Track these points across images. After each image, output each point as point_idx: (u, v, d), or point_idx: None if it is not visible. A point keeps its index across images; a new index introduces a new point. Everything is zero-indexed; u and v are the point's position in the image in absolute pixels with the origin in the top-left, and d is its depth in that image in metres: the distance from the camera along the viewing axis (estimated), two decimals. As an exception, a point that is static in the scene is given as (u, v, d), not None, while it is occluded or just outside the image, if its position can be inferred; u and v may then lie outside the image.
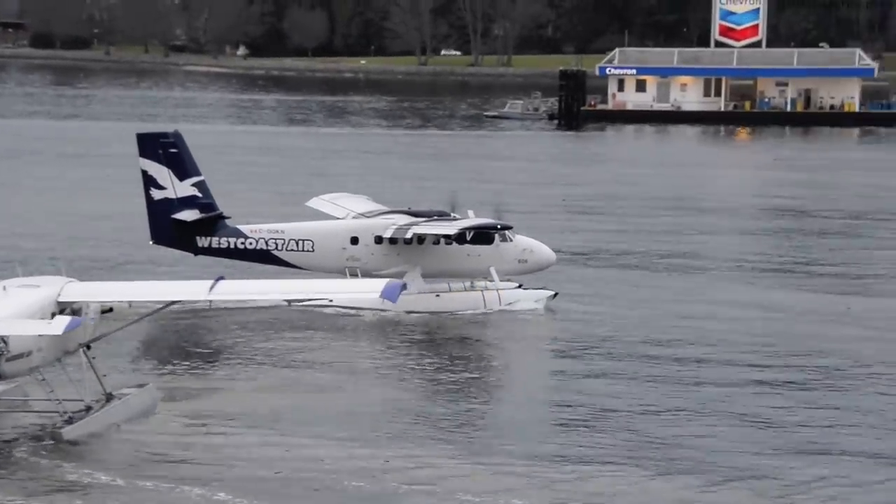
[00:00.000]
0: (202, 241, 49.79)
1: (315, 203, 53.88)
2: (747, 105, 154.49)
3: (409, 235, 48.69)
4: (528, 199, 79.71)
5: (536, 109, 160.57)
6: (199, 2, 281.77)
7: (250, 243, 49.80)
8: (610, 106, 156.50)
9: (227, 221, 50.35)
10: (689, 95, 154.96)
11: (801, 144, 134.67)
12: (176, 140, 49.54)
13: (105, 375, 34.40)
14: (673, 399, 37.78)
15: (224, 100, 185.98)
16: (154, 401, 35.54)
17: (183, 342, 44.53)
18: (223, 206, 50.77)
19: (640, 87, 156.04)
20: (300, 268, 49.73)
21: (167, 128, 54.41)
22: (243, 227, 50.32)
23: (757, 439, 33.95)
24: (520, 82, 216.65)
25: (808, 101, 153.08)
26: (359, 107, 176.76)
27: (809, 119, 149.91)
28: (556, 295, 49.92)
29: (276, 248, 49.73)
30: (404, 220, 49.54)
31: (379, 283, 33.34)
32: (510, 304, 49.12)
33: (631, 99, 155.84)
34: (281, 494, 29.70)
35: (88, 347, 33.66)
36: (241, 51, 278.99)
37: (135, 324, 35.92)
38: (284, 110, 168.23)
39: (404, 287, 34.47)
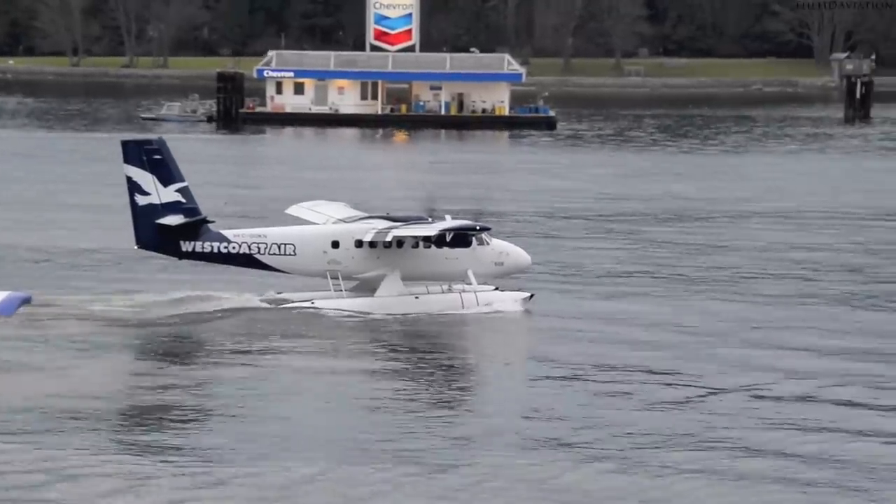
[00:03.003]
0: (186, 246, 50.92)
1: (294, 210, 54.95)
2: (403, 108, 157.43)
3: (388, 239, 49.89)
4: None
5: (194, 112, 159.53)
6: None
7: (233, 247, 50.97)
8: (269, 108, 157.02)
9: (211, 226, 51.33)
10: (346, 98, 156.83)
11: (456, 147, 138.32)
12: (160, 147, 51.02)
13: None
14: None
15: None
16: None
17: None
18: None
19: (298, 89, 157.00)
20: (283, 271, 51.02)
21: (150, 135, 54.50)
22: (227, 232, 51.41)
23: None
24: (176, 84, 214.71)
25: (461, 104, 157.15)
26: (5, 107, 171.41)
27: (463, 122, 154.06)
28: (532, 296, 51.33)
29: (259, 251, 50.90)
30: (384, 224, 50.68)
31: None
32: (488, 304, 50.46)
33: (289, 101, 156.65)
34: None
35: None
36: None
37: None
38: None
39: (26, 301, 34.16)
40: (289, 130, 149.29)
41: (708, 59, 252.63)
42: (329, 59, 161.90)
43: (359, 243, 50.72)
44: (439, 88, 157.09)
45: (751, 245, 69.20)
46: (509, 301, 51.10)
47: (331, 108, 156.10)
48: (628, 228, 75.46)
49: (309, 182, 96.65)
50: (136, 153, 50.77)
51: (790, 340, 47.20)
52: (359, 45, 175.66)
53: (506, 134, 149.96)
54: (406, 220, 51.52)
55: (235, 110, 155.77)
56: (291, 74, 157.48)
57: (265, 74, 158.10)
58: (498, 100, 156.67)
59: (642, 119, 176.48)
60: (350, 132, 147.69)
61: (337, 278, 50.53)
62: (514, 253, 52.07)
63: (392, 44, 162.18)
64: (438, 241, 50.47)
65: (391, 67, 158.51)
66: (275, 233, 51.43)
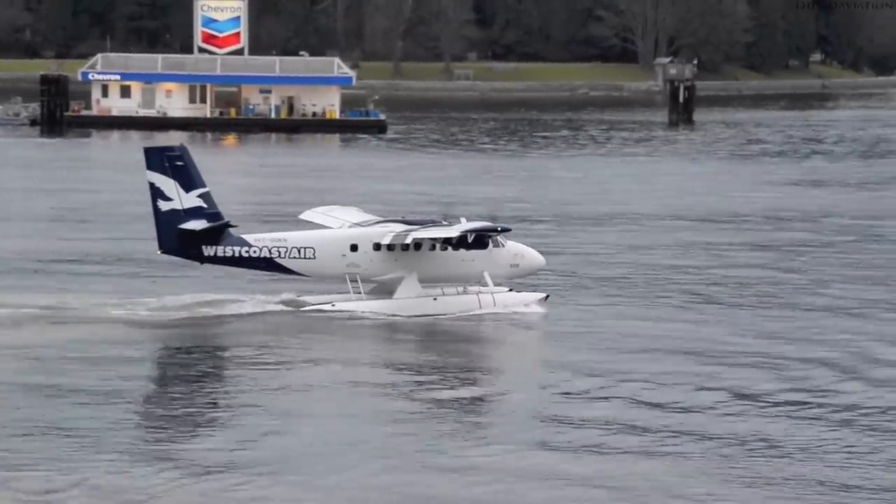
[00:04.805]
0: (208, 250, 51.43)
1: (308, 215, 55.76)
2: (233, 112, 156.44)
3: (408, 241, 50.56)
4: (12, 207, 78.48)
5: (17, 115, 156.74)
6: None
7: (254, 251, 51.57)
8: (94, 112, 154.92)
9: (233, 230, 51.76)
10: (174, 102, 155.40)
11: (286, 151, 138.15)
12: (182, 153, 51.55)
13: None
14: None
15: None
16: None
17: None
18: None
19: (125, 92, 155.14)
20: (303, 275, 51.56)
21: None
22: (248, 237, 51.89)
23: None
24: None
25: (291, 108, 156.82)
26: None
27: (293, 126, 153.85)
28: (547, 297, 52.25)
29: (279, 255, 51.49)
30: (401, 227, 51.23)
31: None
32: (505, 306, 51.36)
33: (116, 105, 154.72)
34: None
35: None
36: None
37: None
38: None
39: None
40: (115, 134, 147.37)
41: (535, 64, 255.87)
42: (156, 61, 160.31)
43: (377, 246, 51.63)
44: (269, 92, 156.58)
45: (573, 247, 70.60)
46: (525, 302, 52.11)
47: (158, 112, 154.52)
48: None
49: (137, 186, 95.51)
50: (159, 160, 51.54)
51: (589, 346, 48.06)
52: (186, 48, 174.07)
53: (336, 137, 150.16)
54: (422, 223, 52.40)
55: (60, 113, 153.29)
56: (118, 77, 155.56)
57: (90, 77, 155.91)
58: (328, 103, 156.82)
59: (471, 122, 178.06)
60: (179, 135, 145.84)
61: (356, 281, 51.49)
62: (528, 254, 53.04)
63: (220, 47, 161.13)
64: (458, 242, 51.24)
65: (220, 70, 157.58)
66: (295, 237, 52.33)
